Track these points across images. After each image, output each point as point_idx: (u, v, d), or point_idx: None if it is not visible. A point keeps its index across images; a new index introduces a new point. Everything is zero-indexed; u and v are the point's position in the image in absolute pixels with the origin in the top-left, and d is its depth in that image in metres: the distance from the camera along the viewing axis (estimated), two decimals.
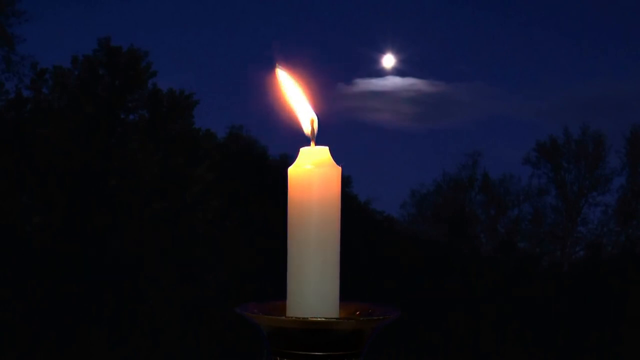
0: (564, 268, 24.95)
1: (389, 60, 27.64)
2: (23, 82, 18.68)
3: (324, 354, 0.78)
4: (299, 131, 0.87)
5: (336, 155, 0.83)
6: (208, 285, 15.94)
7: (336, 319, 0.79)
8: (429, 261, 20.39)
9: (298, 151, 0.84)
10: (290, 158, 0.85)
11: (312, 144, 0.85)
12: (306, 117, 0.87)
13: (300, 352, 0.78)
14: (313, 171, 0.82)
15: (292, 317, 0.79)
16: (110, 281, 14.48)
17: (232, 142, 22.99)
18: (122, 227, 16.34)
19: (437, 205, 27.69)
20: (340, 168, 0.83)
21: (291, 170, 0.83)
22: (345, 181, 23.95)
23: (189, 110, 19.99)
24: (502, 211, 27.50)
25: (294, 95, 0.88)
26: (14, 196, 16.19)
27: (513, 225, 27.15)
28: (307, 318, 0.78)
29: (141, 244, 15.99)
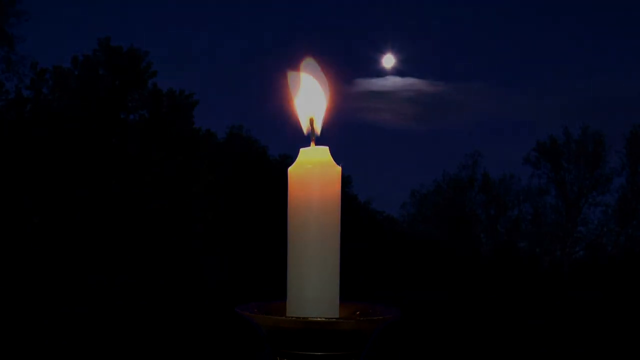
0: (564, 268, 24.95)
1: (389, 60, 27.68)
2: (23, 82, 18.69)
3: (324, 354, 0.78)
4: (301, 131, 0.87)
5: (336, 155, 0.83)
6: (208, 285, 15.93)
7: (336, 319, 0.79)
8: (429, 261, 20.39)
9: (298, 151, 0.83)
10: (290, 158, 0.85)
11: (312, 144, 0.85)
12: (305, 116, 0.87)
13: (300, 352, 0.78)
14: (313, 171, 0.81)
15: (292, 317, 0.79)
16: (110, 281, 14.49)
17: (232, 142, 22.99)
18: (122, 226, 16.34)
19: (437, 205, 27.70)
20: (340, 168, 0.83)
21: (291, 170, 0.83)
22: (345, 181, 23.96)
23: (189, 110, 19.99)
24: (502, 211, 27.51)
25: (304, 90, 0.87)
26: (14, 196, 16.19)
27: (513, 225, 27.16)
28: (307, 318, 0.77)
29: (141, 244, 15.99)
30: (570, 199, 26.72)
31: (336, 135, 0.87)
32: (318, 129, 0.86)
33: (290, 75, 0.87)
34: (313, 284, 0.81)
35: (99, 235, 15.84)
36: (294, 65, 0.87)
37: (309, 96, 0.87)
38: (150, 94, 19.50)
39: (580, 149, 27.04)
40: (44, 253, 15.03)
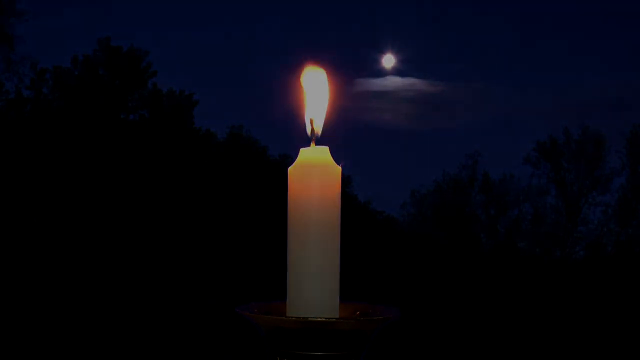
0: (564, 268, 24.94)
1: (389, 60, 27.66)
2: (23, 82, 18.69)
3: (324, 354, 0.78)
4: (304, 132, 0.87)
5: (336, 155, 0.83)
6: (208, 285, 15.94)
7: (336, 319, 0.79)
8: (429, 261, 20.39)
9: (298, 151, 0.83)
10: (290, 158, 0.85)
11: (312, 144, 0.85)
12: (307, 117, 0.87)
13: (300, 352, 0.78)
14: (313, 171, 0.81)
15: (292, 317, 0.79)
16: (110, 281, 14.49)
17: (232, 142, 22.99)
18: (122, 227, 16.34)
19: (437, 205, 27.68)
20: (340, 168, 0.83)
21: (291, 170, 0.83)
22: (345, 181, 23.96)
23: (189, 110, 20.00)
24: (502, 211, 27.49)
25: (309, 91, 0.87)
26: (14, 196, 16.20)
27: (513, 225, 27.14)
28: (307, 318, 0.77)
29: (141, 244, 15.99)
30: (570, 199, 26.72)
31: (336, 135, 0.87)
32: (319, 130, 0.86)
33: (305, 74, 0.88)
34: (313, 284, 0.81)
35: (98, 236, 15.84)
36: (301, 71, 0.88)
37: (312, 98, 0.88)
38: (150, 94, 19.53)
39: (580, 149, 27.04)
40: (44, 253, 15.03)
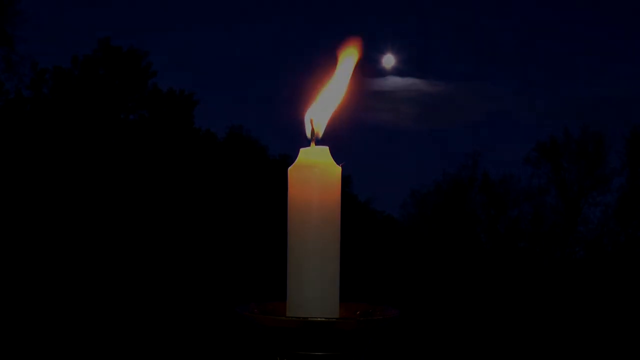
0: (564, 268, 24.94)
1: (389, 60, 27.67)
2: (23, 82, 18.69)
3: (324, 354, 0.78)
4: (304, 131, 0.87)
5: (336, 155, 0.83)
6: (208, 285, 15.94)
7: (336, 319, 0.79)
8: (429, 261, 20.39)
9: (298, 151, 0.83)
10: (290, 158, 0.85)
11: (312, 144, 0.84)
12: (308, 117, 0.87)
13: (300, 352, 0.78)
14: (313, 171, 0.81)
15: (292, 317, 0.79)
16: (109, 280, 14.49)
17: (232, 142, 22.99)
18: (122, 227, 16.34)
19: (437, 205, 27.67)
20: (340, 168, 0.83)
21: (291, 170, 0.82)
22: (345, 181, 23.95)
23: (189, 110, 20.00)
24: (502, 211, 27.49)
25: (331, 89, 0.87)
26: (14, 197, 16.20)
27: (513, 225, 27.14)
28: (307, 318, 0.77)
29: (142, 244, 15.99)
30: (570, 199, 26.71)
31: (336, 135, 0.87)
32: (319, 132, 0.86)
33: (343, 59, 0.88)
34: (313, 284, 0.81)
35: (98, 235, 15.85)
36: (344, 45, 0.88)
37: (324, 97, 0.87)
38: (150, 94, 19.54)
39: (580, 149, 27.04)
40: (44, 253, 15.04)
